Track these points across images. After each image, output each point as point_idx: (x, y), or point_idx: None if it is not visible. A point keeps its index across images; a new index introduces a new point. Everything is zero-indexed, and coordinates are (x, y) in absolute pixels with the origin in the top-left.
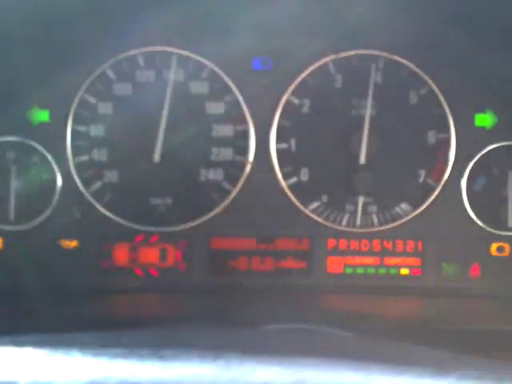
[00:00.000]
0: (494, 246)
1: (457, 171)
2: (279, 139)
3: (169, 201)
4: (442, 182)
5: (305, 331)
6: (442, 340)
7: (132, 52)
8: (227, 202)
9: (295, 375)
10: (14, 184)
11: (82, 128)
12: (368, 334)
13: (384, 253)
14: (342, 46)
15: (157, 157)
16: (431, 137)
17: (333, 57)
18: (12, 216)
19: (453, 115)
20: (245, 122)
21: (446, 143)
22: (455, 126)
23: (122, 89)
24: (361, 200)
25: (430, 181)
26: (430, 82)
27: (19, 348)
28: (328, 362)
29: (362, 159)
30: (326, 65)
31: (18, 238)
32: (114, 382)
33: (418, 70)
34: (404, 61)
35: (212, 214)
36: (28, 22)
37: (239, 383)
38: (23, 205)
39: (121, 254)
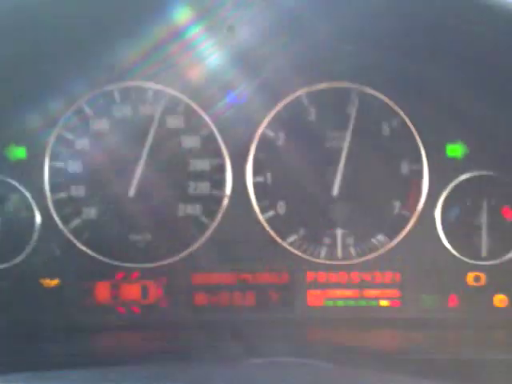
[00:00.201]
0: (470, 276)
1: (430, 202)
2: (255, 172)
3: (148, 237)
4: (417, 213)
5: (284, 365)
6: (421, 370)
7: (108, 87)
8: (206, 236)
9: None
10: None
11: (59, 164)
12: (348, 365)
13: (363, 285)
14: (315, 78)
15: (132, 192)
16: (404, 168)
17: (305, 89)
18: None
19: (425, 146)
20: (221, 155)
21: (419, 174)
22: (427, 157)
23: (99, 124)
24: (339, 232)
25: (404, 212)
26: (401, 113)
27: None
28: None
29: (336, 191)
30: (299, 97)
31: None
32: None
33: (389, 102)
34: (376, 93)
35: (191, 249)
36: (3, 59)
37: None
38: (2, 243)
39: (102, 292)
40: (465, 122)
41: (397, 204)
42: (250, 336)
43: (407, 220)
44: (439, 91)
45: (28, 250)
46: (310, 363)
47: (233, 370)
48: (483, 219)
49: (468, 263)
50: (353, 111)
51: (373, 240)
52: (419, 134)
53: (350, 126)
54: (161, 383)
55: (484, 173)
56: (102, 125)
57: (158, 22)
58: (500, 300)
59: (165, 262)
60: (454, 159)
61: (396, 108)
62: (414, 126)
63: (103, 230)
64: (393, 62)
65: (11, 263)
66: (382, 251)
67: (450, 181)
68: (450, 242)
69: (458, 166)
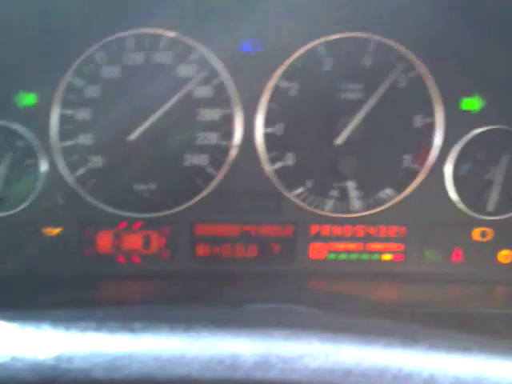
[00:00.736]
0: (477, 231)
1: (441, 156)
2: (266, 123)
3: (153, 186)
4: (427, 167)
5: (279, 309)
6: (421, 321)
7: (120, 34)
8: (211, 187)
9: (264, 346)
10: None
11: (68, 112)
12: (346, 313)
13: (367, 238)
14: (332, 28)
15: (139, 141)
16: (417, 121)
17: (322, 39)
18: None
19: (439, 99)
20: (231, 105)
21: (431, 127)
22: (441, 110)
23: (110, 71)
24: (346, 185)
25: (414, 165)
26: (417, 65)
27: None
28: (297, 335)
29: (346, 143)
30: (315, 48)
31: (0, 224)
32: (84, 354)
33: (406, 54)
34: (393, 44)
35: (196, 199)
36: (15, 5)
37: (209, 354)
38: (7, 190)
39: (104, 241)
40: (483, 76)
41: (407, 157)
42: (248, 286)
43: (416, 174)
44: (456, 45)
45: (32, 197)
46: (302, 309)
47: (220, 312)
48: (496, 174)
49: (475, 218)
50: (368, 62)
51: (380, 193)
52: (434, 86)
53: (365, 78)
54: (145, 321)
55: (499, 127)
56: (113, 72)
57: None
58: (504, 256)
59: (168, 212)
60: (468, 112)
61: (412, 60)
62: (430, 78)
63: (108, 178)
64: (412, 13)
65: (15, 211)
66: (388, 205)
67: (463, 134)
68: (458, 197)
69: (472, 120)
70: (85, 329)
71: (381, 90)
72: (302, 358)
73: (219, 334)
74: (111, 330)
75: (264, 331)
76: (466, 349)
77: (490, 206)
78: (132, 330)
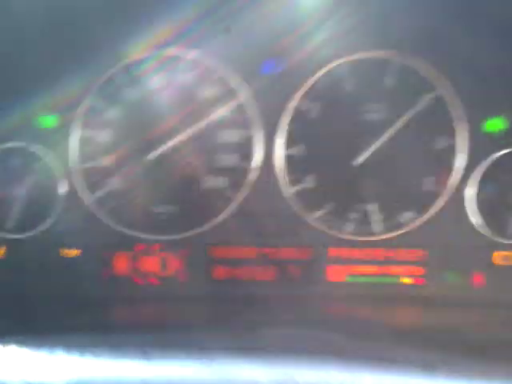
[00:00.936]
0: (498, 255)
1: (463, 178)
2: (287, 145)
3: (172, 209)
4: (448, 190)
5: (295, 335)
6: (441, 347)
7: (140, 56)
8: (230, 210)
9: (282, 374)
10: (18, 191)
11: (89, 133)
12: (364, 338)
13: (387, 261)
14: (353, 49)
15: (160, 163)
16: (438, 143)
17: (344, 60)
18: (15, 224)
19: (461, 121)
20: (252, 126)
21: (453, 149)
22: (463, 132)
23: (131, 93)
24: (366, 208)
25: (435, 188)
26: (439, 86)
27: (4, 347)
28: (314, 362)
29: (367, 165)
30: (337, 68)
31: (20, 246)
32: (98, 380)
33: (428, 75)
34: (415, 65)
35: (214, 222)
36: (38, 25)
37: (224, 381)
38: (26, 212)
39: (122, 263)
40: (504, 98)
41: (428, 180)
42: (267, 309)
43: (437, 196)
44: (479, 66)
45: (52, 219)
46: (320, 334)
47: (237, 337)
48: None
49: (497, 242)
50: (391, 82)
51: (401, 216)
52: (457, 107)
53: (387, 99)
54: (160, 348)
55: None
56: (133, 94)
57: None
58: None
59: (186, 235)
60: (490, 135)
61: (434, 81)
62: (453, 99)
63: (127, 201)
64: (436, 33)
65: (34, 232)
66: (409, 228)
67: (484, 157)
68: (480, 220)
69: (495, 142)
70: (99, 354)
71: (402, 111)
72: None
73: (235, 361)
74: (126, 355)
75: (280, 358)
76: (484, 374)
77: (510, 230)
78: (147, 356)
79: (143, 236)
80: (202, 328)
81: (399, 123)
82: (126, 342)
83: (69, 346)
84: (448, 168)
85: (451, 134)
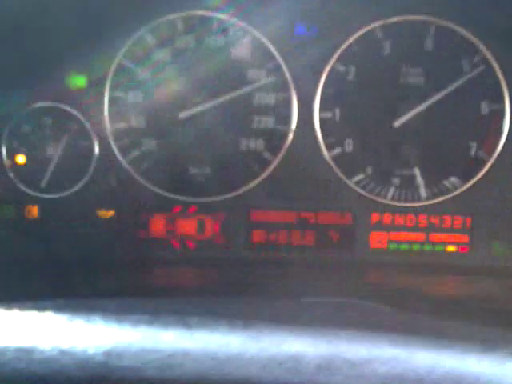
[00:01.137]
0: None
1: (511, 144)
2: (323, 108)
3: (208, 171)
4: (495, 155)
5: (341, 305)
6: (490, 319)
7: (171, 16)
8: (267, 172)
9: (328, 347)
10: (51, 150)
11: (119, 94)
12: (410, 310)
13: (430, 228)
14: (390, 10)
15: (194, 125)
16: (484, 107)
17: (381, 23)
18: (48, 183)
19: (508, 85)
20: (287, 89)
21: (500, 114)
22: (510, 97)
23: (161, 54)
24: (409, 172)
25: (481, 153)
26: (483, 49)
27: (39, 313)
28: (364, 336)
29: (408, 129)
30: (373, 31)
31: (54, 207)
32: (136, 350)
33: (471, 37)
34: (456, 27)
35: (252, 185)
36: None
37: (269, 355)
38: (60, 172)
39: (158, 225)
40: None
41: (473, 145)
42: (306, 275)
43: (484, 162)
44: None
45: (85, 179)
46: (366, 305)
47: (280, 306)
48: None
49: None
50: (430, 46)
51: (445, 182)
52: (502, 71)
53: (427, 62)
54: (201, 316)
55: None
56: (163, 55)
57: None
58: None
59: (224, 198)
60: None
61: (478, 44)
62: (497, 63)
63: (162, 162)
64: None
65: (69, 192)
66: (453, 194)
67: None
68: None
69: None
70: (137, 322)
71: (443, 75)
72: (370, 362)
73: (280, 333)
74: (165, 324)
75: (329, 331)
76: None
77: None
78: (187, 325)
79: (180, 198)
80: (240, 295)
81: (442, 87)
82: (165, 309)
83: (106, 312)
84: (495, 133)
85: (498, 98)
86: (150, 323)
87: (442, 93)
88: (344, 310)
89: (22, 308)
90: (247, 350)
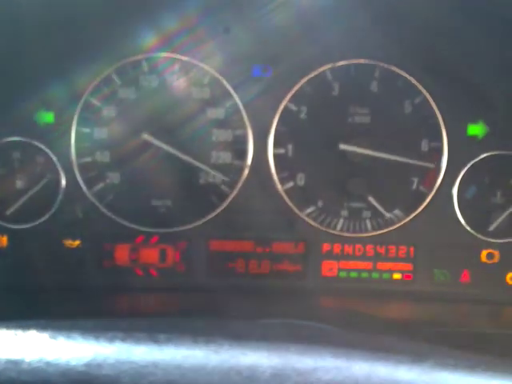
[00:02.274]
0: (484, 253)
1: (448, 179)
2: (277, 144)
3: (169, 203)
4: (434, 190)
5: (294, 325)
6: (429, 340)
7: (136, 57)
8: (225, 204)
9: (279, 359)
10: (20, 183)
11: (85, 130)
12: (355, 330)
13: (377, 257)
14: (340, 55)
15: (155, 159)
16: (424, 145)
17: (330, 66)
18: (17, 214)
19: (445, 124)
20: (244, 127)
21: (439, 152)
22: (448, 135)
23: (126, 93)
24: (356, 205)
25: (422, 188)
26: (424, 91)
27: (24, 331)
28: (311, 349)
29: (356, 165)
30: (323, 73)
31: (22, 237)
32: (112, 361)
33: (412, 80)
34: (399, 71)
35: (211, 216)
36: (37, 24)
37: (228, 365)
38: (28, 203)
39: (122, 254)
40: (486, 103)
41: (415, 180)
42: (262, 301)
43: (424, 196)
44: (462, 72)
45: (52, 211)
46: (314, 325)
47: (239, 326)
48: (500, 198)
49: (482, 240)
50: (376, 88)
51: (389, 214)
52: (441, 112)
53: (373, 103)
54: (168, 333)
55: (503, 153)
56: (129, 94)
57: None
58: None
59: (184, 228)
60: (474, 138)
61: (419, 86)
62: (436, 104)
63: (126, 194)
64: (417, 41)
65: (37, 223)
66: (397, 225)
67: (470, 159)
68: (465, 220)
69: (477, 146)
70: (112, 339)
71: (388, 115)
72: (316, 371)
73: (239, 347)
74: (137, 340)
75: (281, 345)
76: (471, 367)
77: (495, 229)
78: (156, 340)
79: (142, 228)
80: (200, 316)
81: (386, 126)
82: (137, 328)
83: (85, 330)
84: (434, 169)
85: (437, 137)
86: (123, 339)
87: (386, 131)
88: (294, 328)
89: (7, 327)
90: (209, 361)
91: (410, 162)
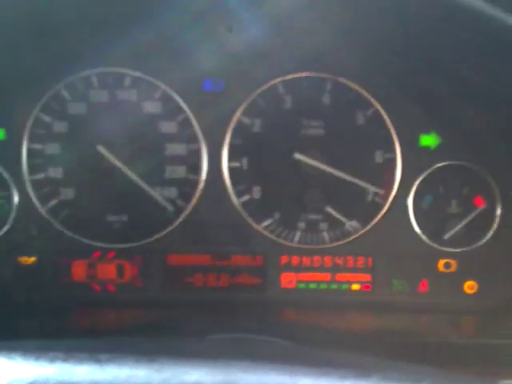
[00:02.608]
0: (441, 262)
1: (403, 190)
2: (231, 158)
3: (124, 218)
4: (389, 201)
5: (240, 341)
6: (386, 351)
7: (86, 72)
8: (181, 219)
9: (223, 376)
10: None
11: (37, 146)
12: (308, 344)
13: (335, 269)
14: (291, 68)
15: (110, 175)
16: (378, 157)
17: (282, 78)
18: None
19: (398, 136)
20: (197, 141)
21: (393, 163)
22: (401, 147)
23: (77, 108)
24: (313, 217)
25: (377, 199)
26: (376, 103)
27: None
28: (255, 366)
29: (308, 177)
30: (275, 86)
31: None
32: (53, 382)
33: (364, 93)
34: (351, 83)
35: (167, 230)
36: None
37: (171, 383)
38: None
39: (79, 270)
40: (439, 114)
41: (370, 191)
42: (219, 315)
43: (380, 207)
44: (413, 83)
45: (6, 227)
46: (264, 340)
47: (184, 344)
48: (455, 208)
49: (439, 250)
50: (328, 100)
51: (346, 226)
52: (393, 124)
53: (326, 115)
54: (110, 353)
55: (457, 163)
56: (79, 109)
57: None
58: (469, 286)
59: (140, 243)
60: (427, 149)
61: (370, 98)
62: (388, 116)
63: (80, 210)
64: (368, 54)
65: None
66: (354, 237)
67: (423, 170)
68: (421, 229)
69: (430, 156)
70: (53, 359)
71: (341, 127)
72: None
73: (181, 365)
74: (78, 360)
75: (224, 362)
76: (417, 381)
77: (451, 238)
78: (98, 360)
79: (99, 244)
80: (152, 333)
81: (340, 138)
82: (79, 348)
83: (25, 351)
84: (389, 180)
85: (390, 148)
86: (64, 360)
87: (340, 143)
88: (242, 344)
89: None
90: (151, 381)
91: (359, 183)
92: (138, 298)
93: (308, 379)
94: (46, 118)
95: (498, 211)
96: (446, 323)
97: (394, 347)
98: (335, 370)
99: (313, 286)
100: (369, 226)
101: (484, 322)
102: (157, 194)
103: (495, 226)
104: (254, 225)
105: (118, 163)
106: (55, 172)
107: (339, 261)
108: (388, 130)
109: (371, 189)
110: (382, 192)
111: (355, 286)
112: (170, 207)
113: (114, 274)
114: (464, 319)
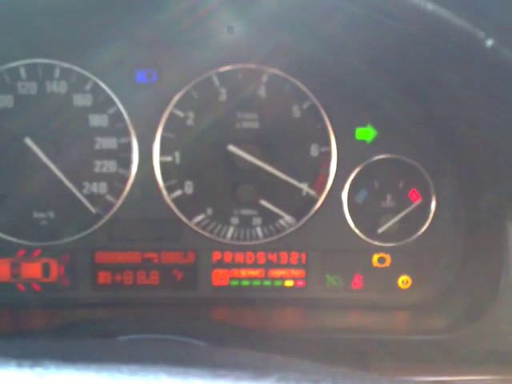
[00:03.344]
0: (375, 257)
1: (338, 184)
2: (163, 152)
3: (51, 214)
4: (324, 194)
5: (144, 342)
6: (320, 348)
7: (13, 64)
8: (110, 215)
9: (110, 379)
10: None
11: None
12: (227, 344)
13: (269, 265)
14: (226, 59)
15: (37, 169)
16: (313, 150)
17: (216, 70)
18: None
19: (334, 129)
20: (128, 134)
21: (328, 156)
22: (336, 140)
23: (4, 101)
24: (246, 213)
25: (312, 193)
26: (311, 96)
27: None
28: (146, 368)
29: (241, 170)
30: (209, 78)
31: None
32: None
33: (300, 85)
34: (287, 76)
35: (95, 227)
36: None
37: None
38: None
39: (2, 269)
40: (374, 107)
41: (305, 185)
42: (149, 314)
43: (315, 201)
44: (349, 77)
45: None
46: (183, 341)
47: (79, 344)
48: (390, 202)
49: (373, 245)
50: (263, 93)
51: (280, 221)
52: (329, 117)
53: (261, 108)
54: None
55: (392, 156)
56: (6, 101)
57: None
58: (404, 281)
59: (67, 240)
60: (362, 142)
61: (306, 91)
62: (325, 109)
63: (5, 206)
64: (303, 46)
65: None
66: (288, 232)
67: (358, 163)
68: (355, 224)
69: (366, 149)
70: None
71: (276, 120)
72: None
73: (66, 369)
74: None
75: (111, 365)
76: (315, 381)
77: (384, 233)
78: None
79: (23, 242)
80: (60, 335)
81: (275, 131)
82: (11, 349)
83: None
84: (324, 174)
85: (325, 141)
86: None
87: (276, 137)
88: (141, 345)
89: None
90: None
91: (289, 180)
92: (64, 298)
93: (201, 381)
94: None
95: (433, 206)
96: (380, 319)
97: (325, 345)
98: (231, 371)
99: (245, 283)
100: (303, 221)
101: (411, 319)
102: (80, 192)
103: (429, 220)
104: (186, 221)
105: (44, 158)
106: None
107: (272, 257)
108: (324, 123)
109: (300, 186)
110: (315, 186)
111: (289, 283)
112: (92, 208)
113: (40, 272)
114: (398, 315)
